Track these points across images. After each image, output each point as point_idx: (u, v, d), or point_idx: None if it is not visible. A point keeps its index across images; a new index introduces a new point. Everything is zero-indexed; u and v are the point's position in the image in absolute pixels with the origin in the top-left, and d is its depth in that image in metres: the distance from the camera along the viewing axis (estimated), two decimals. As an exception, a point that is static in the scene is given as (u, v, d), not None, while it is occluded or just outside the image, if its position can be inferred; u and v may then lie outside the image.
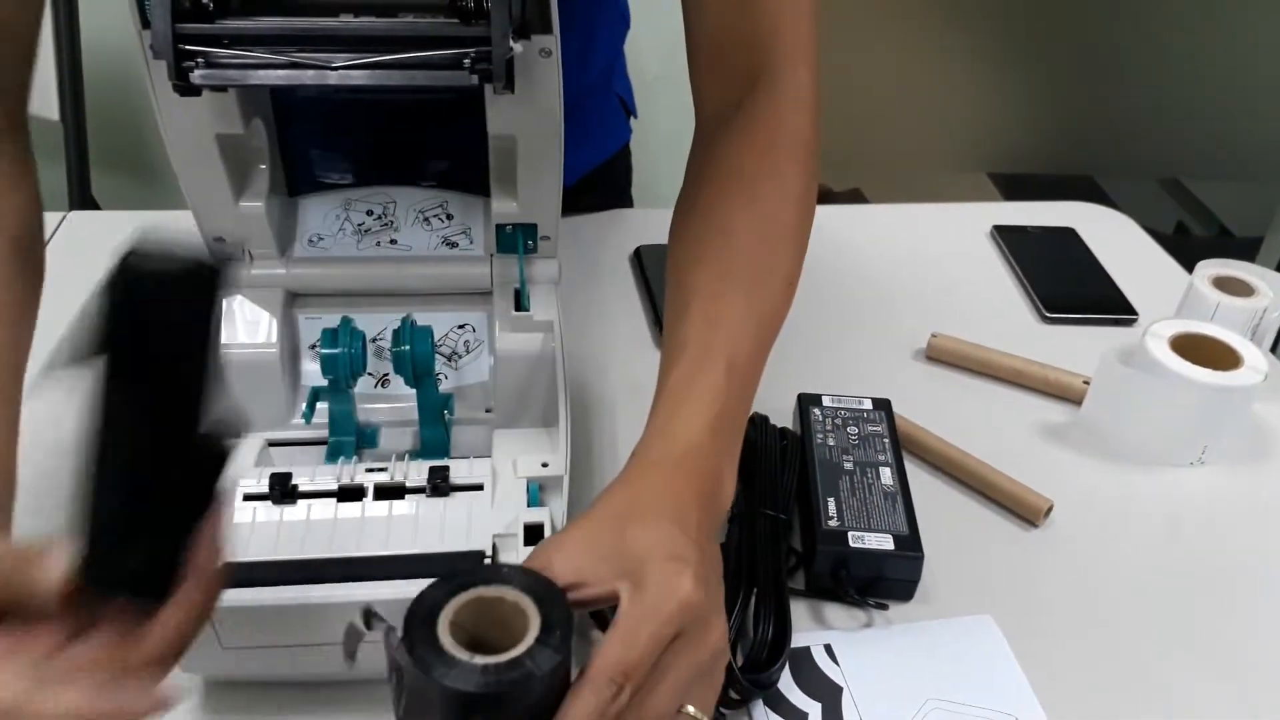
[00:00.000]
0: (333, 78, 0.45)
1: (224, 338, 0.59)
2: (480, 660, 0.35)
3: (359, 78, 0.46)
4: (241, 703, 0.52)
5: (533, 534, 0.48)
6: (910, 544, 0.58)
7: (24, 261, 0.53)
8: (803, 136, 0.58)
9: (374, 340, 0.62)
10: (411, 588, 0.47)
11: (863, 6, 2.30)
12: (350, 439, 0.60)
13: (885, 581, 0.59)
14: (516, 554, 0.48)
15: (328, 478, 0.51)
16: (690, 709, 0.41)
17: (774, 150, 0.57)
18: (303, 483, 0.51)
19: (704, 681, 0.42)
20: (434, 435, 0.60)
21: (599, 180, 0.92)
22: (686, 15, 0.59)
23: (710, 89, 0.60)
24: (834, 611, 0.59)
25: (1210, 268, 0.80)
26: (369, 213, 0.64)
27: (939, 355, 0.80)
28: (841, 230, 0.97)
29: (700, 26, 0.59)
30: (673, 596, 0.39)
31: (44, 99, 1.18)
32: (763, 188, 0.56)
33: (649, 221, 0.92)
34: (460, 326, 0.64)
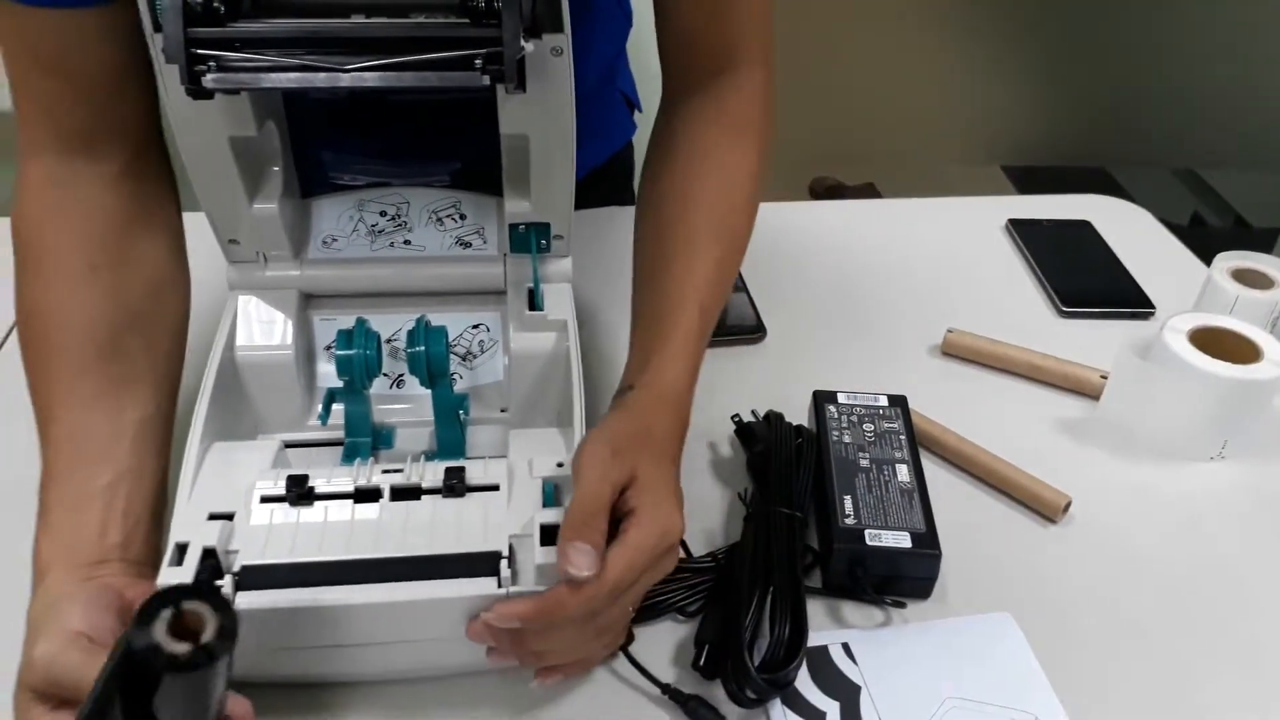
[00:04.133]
0: (344, 80, 0.45)
1: (239, 339, 0.60)
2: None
3: (371, 80, 0.45)
4: (258, 704, 0.52)
5: (549, 534, 0.48)
6: (928, 541, 0.58)
7: (106, 362, 0.54)
8: (761, 126, 0.66)
9: (389, 341, 0.62)
10: (428, 589, 0.47)
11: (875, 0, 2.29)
12: (366, 440, 0.60)
13: (903, 580, 0.58)
14: (533, 554, 0.48)
15: (344, 479, 0.51)
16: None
17: (737, 135, 0.65)
18: (319, 484, 0.51)
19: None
20: (450, 435, 0.60)
21: (603, 175, 0.93)
22: (657, 13, 0.65)
23: (678, 76, 0.67)
24: (851, 610, 0.59)
25: (1229, 260, 0.79)
26: (382, 213, 0.64)
27: (955, 351, 0.79)
28: (855, 225, 0.97)
29: (670, 26, 0.66)
30: (673, 530, 0.50)
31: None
32: (728, 168, 0.64)
33: (661, 219, 0.92)
34: (474, 326, 0.64)
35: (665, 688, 0.53)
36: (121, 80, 0.55)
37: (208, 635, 0.36)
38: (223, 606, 0.36)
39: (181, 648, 0.35)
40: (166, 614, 0.35)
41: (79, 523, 0.50)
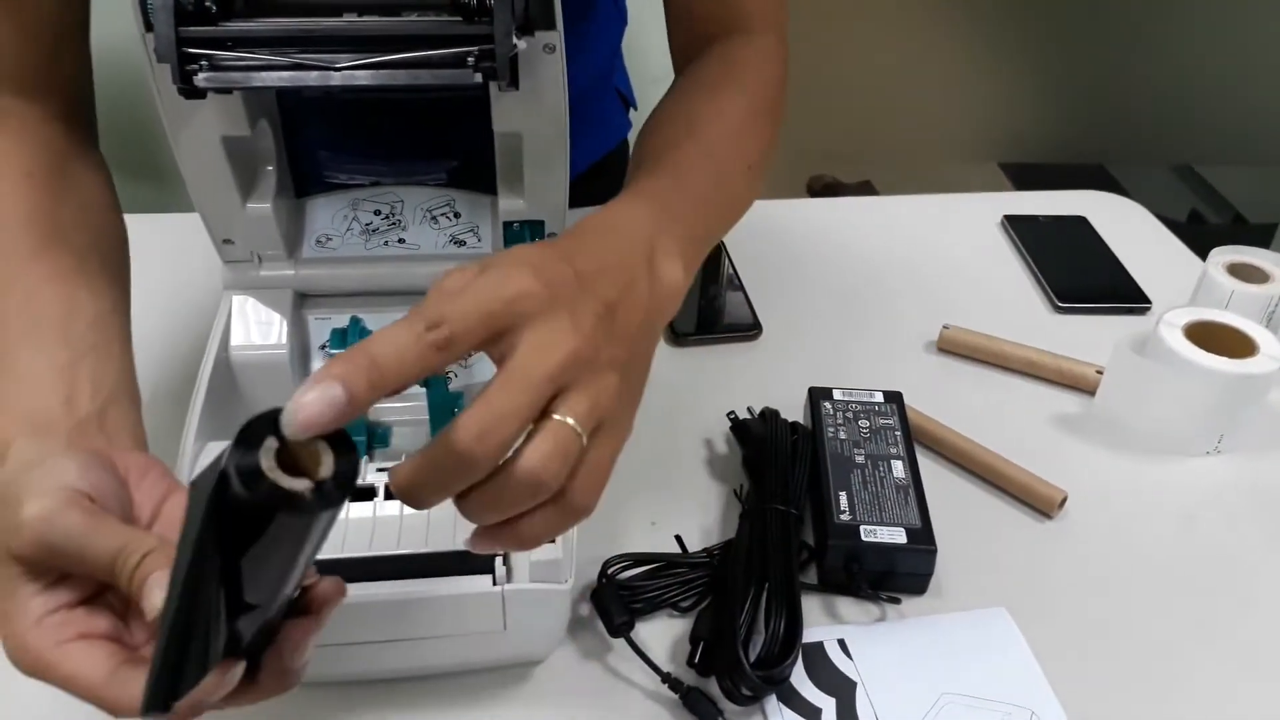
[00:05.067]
0: (336, 78, 0.45)
1: (234, 339, 0.60)
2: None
3: (363, 78, 0.46)
4: (253, 705, 0.52)
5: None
6: (923, 537, 0.58)
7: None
8: (770, 79, 0.62)
9: (383, 340, 0.62)
10: (423, 587, 0.47)
11: (871, -3, 2.29)
12: (361, 439, 0.60)
13: (898, 575, 0.58)
14: (527, 552, 0.48)
15: (338, 478, 0.51)
16: (569, 419, 0.37)
17: (745, 94, 0.60)
18: (313, 483, 0.51)
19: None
20: (444, 434, 0.60)
21: (599, 173, 0.93)
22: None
23: (688, 53, 0.64)
24: (847, 606, 0.59)
25: (1224, 254, 0.79)
26: (376, 212, 0.64)
27: (950, 347, 0.79)
28: (852, 222, 0.96)
29: (676, 4, 0.64)
30: (498, 262, 0.38)
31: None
32: (741, 97, 0.60)
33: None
34: (469, 325, 0.64)
35: (666, 676, 0.53)
36: (58, 38, 0.56)
37: (325, 473, 0.29)
38: (341, 442, 0.30)
39: (300, 483, 0.29)
40: (272, 443, 0.29)
41: (39, 393, 0.43)
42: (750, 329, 0.81)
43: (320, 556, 0.47)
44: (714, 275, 0.87)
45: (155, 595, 0.35)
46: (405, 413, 0.62)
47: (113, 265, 0.53)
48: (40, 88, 0.56)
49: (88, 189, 0.56)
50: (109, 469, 0.40)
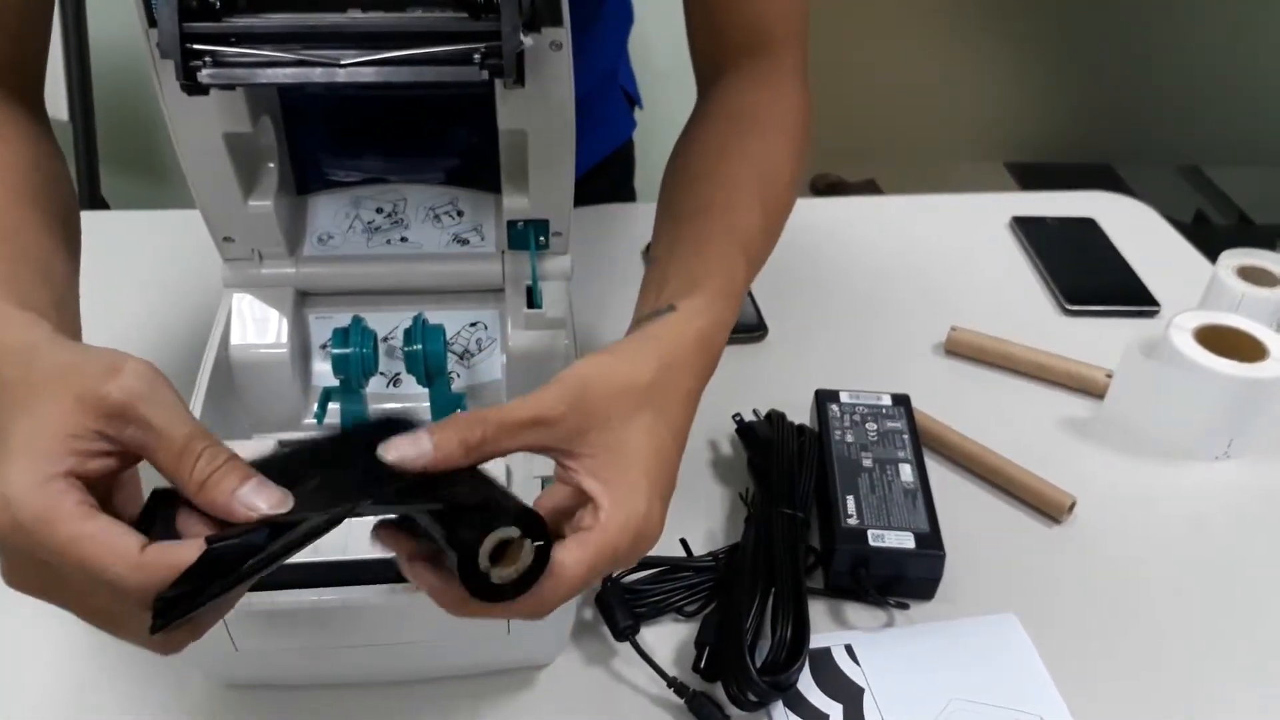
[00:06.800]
0: (341, 75, 0.45)
1: (234, 338, 0.59)
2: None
3: (367, 75, 0.45)
4: (256, 706, 0.52)
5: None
6: (931, 542, 0.57)
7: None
8: (796, 111, 0.62)
9: (385, 339, 0.62)
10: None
11: (877, -5, 2.28)
12: (363, 440, 0.59)
13: (906, 580, 0.58)
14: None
15: (340, 479, 0.50)
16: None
17: (771, 122, 0.60)
18: (315, 485, 0.50)
19: None
20: (447, 435, 0.59)
21: (603, 172, 0.92)
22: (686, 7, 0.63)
23: (707, 59, 0.64)
24: (854, 611, 0.58)
25: (1234, 257, 0.78)
26: (379, 210, 0.63)
27: (958, 349, 0.79)
28: (857, 222, 0.96)
29: (697, 13, 0.63)
30: (649, 534, 0.42)
31: (53, 99, 1.17)
32: (769, 133, 0.59)
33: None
34: (472, 324, 0.63)
35: (671, 681, 0.52)
36: (24, 23, 0.55)
37: (525, 563, 0.38)
38: (537, 531, 0.38)
39: (506, 574, 0.37)
40: (489, 544, 0.37)
41: (38, 305, 0.42)
42: (756, 330, 0.80)
43: (327, 559, 0.47)
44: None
45: (258, 502, 0.36)
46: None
47: (74, 240, 0.53)
48: (5, 69, 0.55)
49: (51, 164, 0.55)
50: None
